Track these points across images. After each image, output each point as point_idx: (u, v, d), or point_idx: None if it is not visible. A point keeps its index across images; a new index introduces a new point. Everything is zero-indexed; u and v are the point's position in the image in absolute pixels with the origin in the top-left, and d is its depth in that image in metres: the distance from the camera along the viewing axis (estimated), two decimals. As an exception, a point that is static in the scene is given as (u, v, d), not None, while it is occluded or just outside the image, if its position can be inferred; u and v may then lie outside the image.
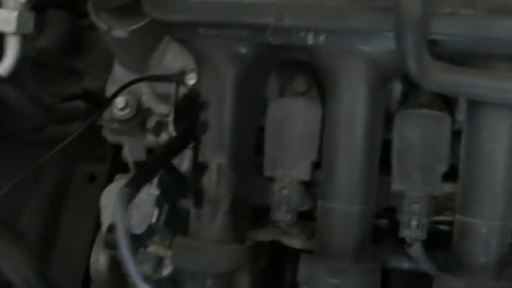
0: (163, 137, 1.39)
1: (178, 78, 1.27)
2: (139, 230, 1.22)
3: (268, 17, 1.03)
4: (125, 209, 1.00)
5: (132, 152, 1.44)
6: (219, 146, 1.12)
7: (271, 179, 1.18)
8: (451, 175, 1.12)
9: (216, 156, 1.12)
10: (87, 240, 1.57)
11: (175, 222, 1.30)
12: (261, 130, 1.19)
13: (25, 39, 1.29)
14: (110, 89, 1.38)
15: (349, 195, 1.08)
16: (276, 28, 1.04)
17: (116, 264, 1.43)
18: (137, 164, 1.44)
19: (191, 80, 1.26)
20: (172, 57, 1.29)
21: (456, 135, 1.11)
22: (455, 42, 0.99)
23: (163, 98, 1.33)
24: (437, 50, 0.99)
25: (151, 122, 1.38)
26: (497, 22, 0.96)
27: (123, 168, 1.49)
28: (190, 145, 1.21)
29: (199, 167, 1.14)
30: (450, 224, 1.12)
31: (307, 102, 1.16)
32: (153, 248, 1.26)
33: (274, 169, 1.17)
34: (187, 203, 1.20)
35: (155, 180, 1.22)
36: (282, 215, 1.17)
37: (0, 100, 1.21)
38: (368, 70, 1.05)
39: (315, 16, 1.02)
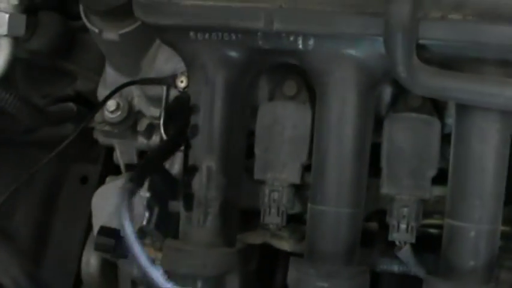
0: (155, 139, 1.39)
1: (169, 81, 1.28)
2: (129, 232, 1.22)
3: (258, 21, 1.03)
4: (129, 204, 1.00)
5: (123, 154, 1.44)
6: (209, 150, 1.12)
7: (262, 182, 1.18)
8: (440, 178, 1.13)
9: (206, 160, 1.12)
10: (78, 241, 1.57)
11: (165, 225, 1.30)
12: (252, 133, 1.19)
13: (17, 41, 1.29)
14: (102, 91, 1.38)
15: (339, 198, 1.08)
16: (265, 32, 1.04)
17: (107, 266, 1.43)
18: (130, 166, 1.45)
19: (182, 83, 1.27)
20: (163, 60, 1.30)
21: (446, 138, 1.11)
22: (444, 46, 0.99)
23: (154, 100, 1.33)
24: (426, 55, 0.99)
25: (142, 125, 1.38)
26: (486, 27, 0.96)
27: (115, 170, 1.49)
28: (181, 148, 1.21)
29: (189, 170, 1.14)
30: (439, 227, 1.12)
31: (297, 105, 1.16)
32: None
33: (265, 172, 1.18)
34: (177, 205, 1.20)
35: (146, 183, 1.23)
36: (272, 218, 1.17)
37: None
38: (357, 74, 1.05)
39: (304, 20, 1.02)
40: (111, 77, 1.37)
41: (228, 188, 1.13)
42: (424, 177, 1.13)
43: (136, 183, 1.04)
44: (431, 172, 1.13)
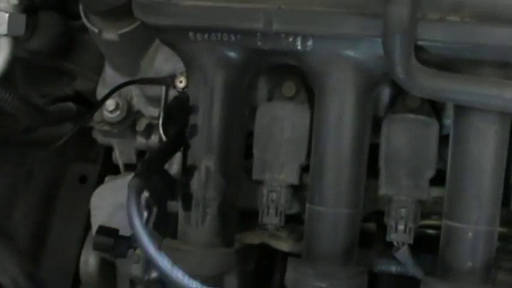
0: (153, 139, 1.40)
1: (168, 81, 1.28)
2: (128, 232, 1.22)
3: (257, 22, 1.04)
4: (137, 199, 1.00)
5: (122, 154, 1.45)
6: (207, 150, 1.13)
7: (260, 183, 1.18)
8: (438, 180, 1.13)
9: (205, 160, 1.13)
10: (77, 241, 1.57)
11: (164, 225, 1.30)
12: (250, 134, 1.19)
13: (17, 41, 1.29)
14: (101, 91, 1.38)
15: (337, 198, 1.08)
16: (264, 33, 1.05)
17: (106, 266, 1.44)
18: (129, 165, 1.45)
19: (181, 83, 1.27)
20: (162, 60, 1.30)
21: (444, 140, 1.12)
22: (442, 48, 0.99)
23: (153, 100, 1.33)
24: (424, 56, 0.99)
25: (141, 125, 1.38)
26: (484, 28, 0.97)
27: (114, 169, 1.49)
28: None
29: (188, 170, 1.14)
30: (437, 228, 1.13)
31: (295, 106, 1.17)
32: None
33: (263, 172, 1.18)
34: (176, 205, 1.20)
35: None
36: (270, 219, 1.17)
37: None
38: (356, 75, 1.05)
39: (303, 21, 1.03)
40: (111, 76, 1.37)
41: (227, 188, 1.14)
42: (422, 178, 1.13)
43: (143, 179, 1.04)
44: (429, 173, 1.13)
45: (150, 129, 1.39)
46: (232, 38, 1.07)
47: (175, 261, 1.11)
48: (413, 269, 1.18)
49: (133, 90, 1.36)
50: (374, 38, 0.98)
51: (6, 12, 1.25)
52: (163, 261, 0.97)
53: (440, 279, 1.07)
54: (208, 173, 1.12)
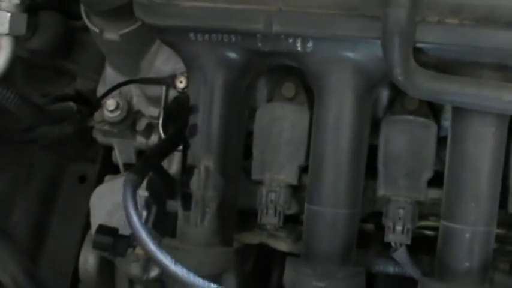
0: (153, 139, 1.40)
1: (168, 81, 1.29)
2: (127, 231, 1.22)
3: (257, 24, 1.04)
4: (134, 195, 1.01)
5: (122, 153, 1.45)
6: (207, 150, 1.13)
7: (259, 183, 1.19)
8: (436, 181, 1.14)
9: (204, 160, 1.13)
10: (76, 240, 1.57)
11: (163, 224, 1.31)
12: (250, 134, 1.20)
13: (18, 40, 1.30)
14: (101, 91, 1.39)
15: (336, 199, 1.09)
16: (265, 34, 1.05)
17: (104, 265, 1.44)
18: (128, 165, 1.45)
19: (181, 83, 1.27)
20: (163, 61, 1.30)
21: (442, 141, 1.12)
22: (441, 50, 1.00)
23: (153, 100, 1.34)
24: (423, 58, 1.00)
25: (141, 124, 1.39)
26: (482, 31, 0.97)
27: (114, 169, 1.50)
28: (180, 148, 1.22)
29: (187, 170, 1.15)
30: (435, 229, 1.13)
31: (295, 107, 1.17)
32: (141, 249, 1.27)
33: (262, 173, 1.19)
34: (175, 205, 1.20)
35: (144, 182, 1.23)
36: (269, 219, 1.18)
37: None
38: (355, 76, 1.06)
39: (303, 23, 1.03)
40: (111, 76, 1.38)
41: (226, 188, 1.14)
42: (420, 179, 1.14)
43: (139, 175, 1.05)
44: (428, 174, 1.14)
45: (150, 129, 1.39)
46: (233, 38, 1.08)
47: (175, 260, 1.12)
48: (411, 270, 1.18)
49: (134, 90, 1.37)
50: (373, 40, 0.99)
51: (8, 11, 1.25)
52: (164, 256, 0.98)
53: (437, 280, 1.07)
54: (208, 173, 1.13)
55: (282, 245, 1.29)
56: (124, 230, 1.20)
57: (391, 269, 1.27)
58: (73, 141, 1.44)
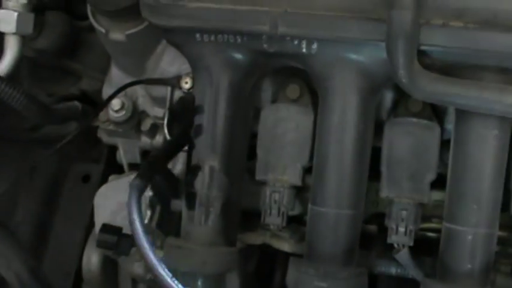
0: (158, 139, 1.40)
1: (173, 82, 1.29)
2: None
3: (263, 25, 1.05)
4: (138, 200, 1.02)
5: (126, 153, 1.45)
6: (212, 150, 1.14)
7: (263, 183, 1.20)
8: (439, 183, 1.14)
9: (209, 160, 1.14)
10: (79, 239, 1.57)
11: (167, 223, 1.31)
12: (254, 135, 1.20)
13: (24, 40, 1.30)
14: (107, 91, 1.39)
15: (339, 200, 1.09)
16: (270, 35, 1.06)
17: (108, 264, 1.44)
18: (133, 165, 1.45)
19: (187, 84, 1.28)
20: (168, 61, 1.31)
21: (445, 144, 1.13)
22: (445, 53, 1.01)
23: (158, 101, 1.34)
24: (427, 60, 1.01)
25: (146, 125, 1.39)
26: (486, 34, 0.98)
27: (118, 169, 1.50)
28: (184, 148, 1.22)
29: (192, 170, 1.15)
30: (438, 231, 1.14)
31: (299, 108, 1.18)
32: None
33: (266, 173, 1.19)
34: (179, 204, 1.21)
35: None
36: (273, 219, 1.19)
37: (-1, 99, 1.22)
38: (359, 78, 1.06)
39: (308, 25, 1.04)
40: (117, 76, 1.38)
41: (230, 188, 1.15)
42: (423, 181, 1.14)
43: (144, 180, 1.05)
44: (431, 176, 1.14)
45: (154, 129, 1.39)
46: (239, 40, 1.09)
47: (178, 259, 1.13)
48: (413, 271, 1.19)
49: (139, 91, 1.37)
50: (378, 42, 0.99)
51: (15, 11, 1.26)
52: (163, 270, 0.98)
53: (439, 281, 1.08)
54: (212, 173, 1.14)
55: (285, 245, 1.29)
56: (128, 230, 1.20)
57: (393, 270, 1.27)
58: (77, 141, 1.44)
